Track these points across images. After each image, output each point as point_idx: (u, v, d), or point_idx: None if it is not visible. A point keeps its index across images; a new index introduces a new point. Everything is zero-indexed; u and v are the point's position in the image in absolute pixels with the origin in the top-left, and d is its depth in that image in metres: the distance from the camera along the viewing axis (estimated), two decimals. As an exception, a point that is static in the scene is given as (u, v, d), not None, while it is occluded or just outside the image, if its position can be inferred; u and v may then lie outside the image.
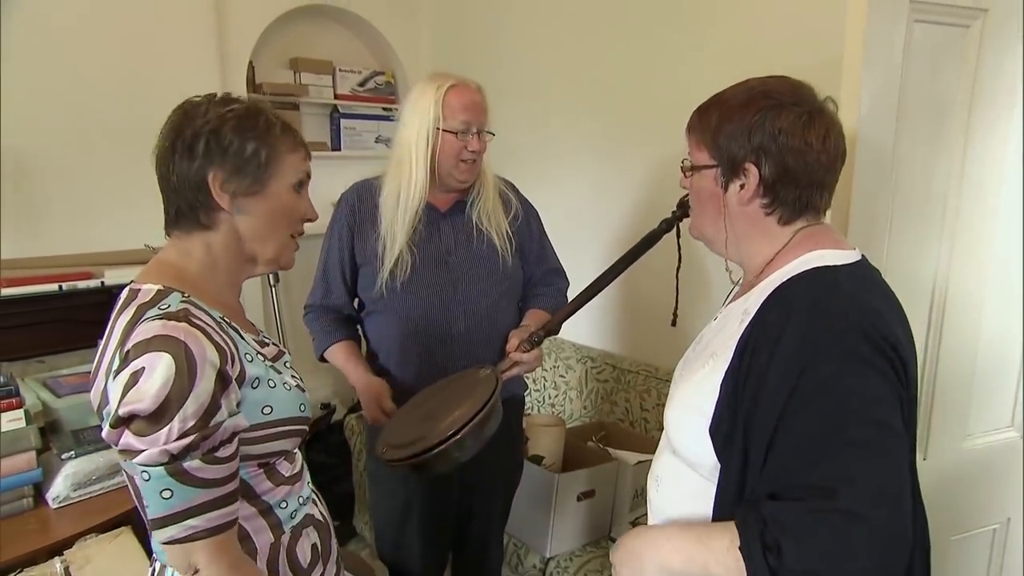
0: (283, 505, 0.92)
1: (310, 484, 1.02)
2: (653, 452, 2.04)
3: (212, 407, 0.77)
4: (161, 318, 0.79)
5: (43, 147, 2.19)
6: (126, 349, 0.78)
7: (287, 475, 0.93)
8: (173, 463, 0.75)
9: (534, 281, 1.57)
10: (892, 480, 0.72)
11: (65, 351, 2.16)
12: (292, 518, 0.94)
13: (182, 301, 0.83)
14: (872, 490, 0.70)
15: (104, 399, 0.82)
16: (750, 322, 0.83)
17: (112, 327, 0.85)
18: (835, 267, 0.82)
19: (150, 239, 2.40)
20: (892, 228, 1.26)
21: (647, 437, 2.06)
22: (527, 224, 1.55)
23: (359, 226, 1.44)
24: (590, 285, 1.35)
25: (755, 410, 0.78)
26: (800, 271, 0.82)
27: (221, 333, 0.83)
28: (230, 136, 0.86)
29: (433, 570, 1.60)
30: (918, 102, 1.21)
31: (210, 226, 0.89)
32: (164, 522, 0.77)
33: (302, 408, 0.93)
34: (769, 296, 0.83)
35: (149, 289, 0.85)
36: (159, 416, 0.74)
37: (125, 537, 1.39)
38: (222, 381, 0.79)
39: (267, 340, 0.98)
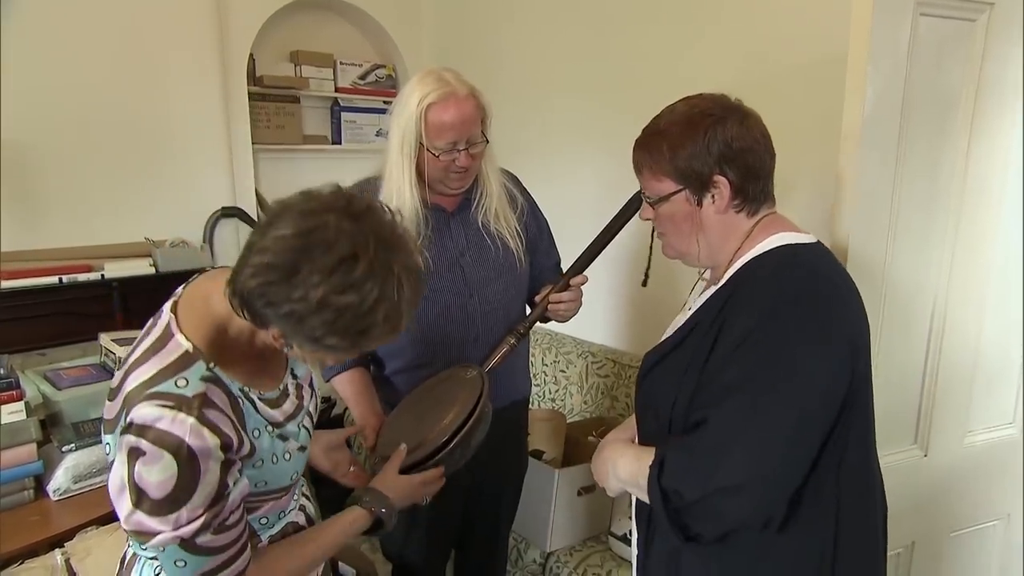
0: (263, 521, 0.92)
1: (301, 490, 1.02)
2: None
3: (220, 491, 0.78)
4: (171, 407, 0.75)
5: (43, 140, 2.19)
6: (130, 418, 0.75)
7: (268, 502, 0.92)
8: (184, 542, 0.76)
9: (544, 270, 1.55)
10: (767, 446, 0.82)
11: (65, 343, 2.16)
12: (270, 528, 0.93)
13: (202, 379, 0.79)
14: (733, 436, 0.82)
15: (114, 427, 0.80)
16: (713, 293, 0.95)
17: (133, 366, 0.80)
18: (795, 245, 0.92)
19: (150, 232, 2.40)
20: (896, 224, 1.26)
21: (647, 432, 2.06)
22: (534, 217, 1.52)
23: None
24: (601, 232, 1.36)
25: (705, 358, 0.89)
26: (764, 251, 0.92)
27: (232, 416, 0.80)
28: (315, 321, 0.74)
29: (437, 568, 1.60)
30: (923, 97, 1.20)
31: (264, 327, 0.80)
32: None
33: (293, 477, 0.92)
34: (734, 274, 0.93)
35: (179, 344, 0.80)
36: (167, 505, 0.74)
37: (126, 530, 1.39)
38: (228, 466, 0.79)
39: (290, 390, 0.94)
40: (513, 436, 1.59)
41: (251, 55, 2.63)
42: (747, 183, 0.92)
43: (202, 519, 0.76)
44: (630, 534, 1.76)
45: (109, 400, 0.84)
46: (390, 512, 1.02)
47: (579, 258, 1.39)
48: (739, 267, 0.93)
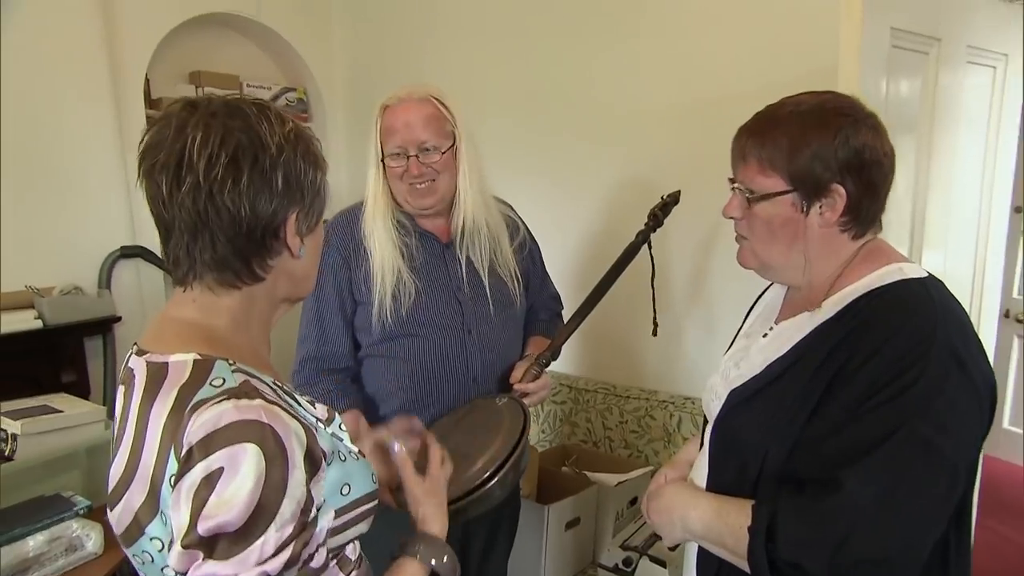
0: None
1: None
2: (625, 471, 2.01)
3: (308, 503, 0.63)
4: (228, 398, 0.62)
5: None
6: (187, 447, 0.60)
7: (354, 558, 0.79)
8: None
9: (535, 308, 1.48)
10: (919, 512, 0.73)
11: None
12: None
13: (233, 371, 0.66)
14: (881, 501, 0.72)
15: (152, 515, 0.65)
16: (818, 327, 0.84)
17: (141, 419, 0.66)
18: (922, 279, 0.82)
19: (33, 279, 2.04)
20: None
21: (615, 456, 2.05)
22: (531, 252, 1.46)
23: (353, 256, 1.28)
24: (582, 304, 1.33)
25: (813, 408, 0.79)
26: (884, 283, 0.82)
27: (284, 406, 0.66)
28: (302, 165, 0.71)
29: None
30: (896, 114, 1.34)
31: (263, 277, 0.72)
32: None
33: (374, 479, 0.78)
34: (847, 307, 0.82)
35: (182, 361, 0.66)
36: (251, 527, 0.58)
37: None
38: (312, 466, 0.64)
39: (313, 399, 0.82)
40: None
41: (146, 76, 2.35)
42: (864, 200, 0.82)
43: (291, 548, 0.60)
44: (622, 564, 1.73)
45: (113, 501, 0.68)
46: (452, 565, 0.84)
47: (573, 315, 1.34)
48: (852, 300, 0.83)
